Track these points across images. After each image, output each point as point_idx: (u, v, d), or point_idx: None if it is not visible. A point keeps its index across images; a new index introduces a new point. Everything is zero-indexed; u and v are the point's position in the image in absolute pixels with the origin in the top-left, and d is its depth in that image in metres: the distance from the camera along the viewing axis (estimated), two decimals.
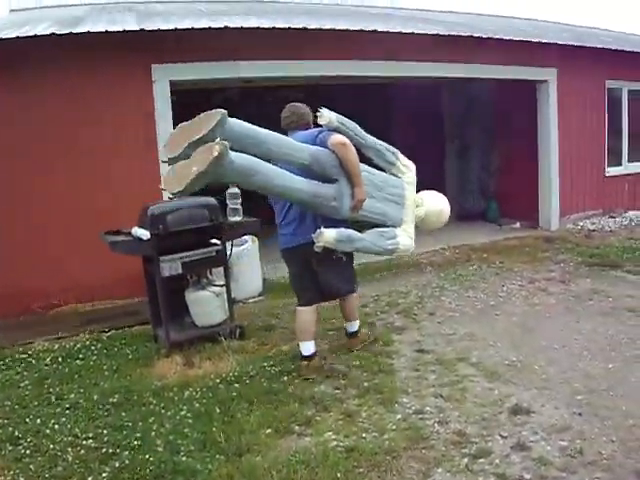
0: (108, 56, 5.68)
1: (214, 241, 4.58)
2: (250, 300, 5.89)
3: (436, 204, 4.28)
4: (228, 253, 4.64)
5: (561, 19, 11.88)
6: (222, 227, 4.53)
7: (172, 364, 4.27)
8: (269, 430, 3.22)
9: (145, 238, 4.19)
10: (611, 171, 9.33)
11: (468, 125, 10.12)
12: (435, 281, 6.18)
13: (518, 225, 9.04)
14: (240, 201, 4.72)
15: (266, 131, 3.42)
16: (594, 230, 8.53)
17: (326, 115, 3.64)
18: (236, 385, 3.79)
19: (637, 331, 4.40)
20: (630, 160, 9.64)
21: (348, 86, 8.80)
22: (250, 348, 4.49)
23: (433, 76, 7.59)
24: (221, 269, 4.67)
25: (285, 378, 3.89)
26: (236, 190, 4.67)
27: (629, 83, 9.35)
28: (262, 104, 11.86)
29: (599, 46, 8.37)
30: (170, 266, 4.33)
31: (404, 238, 3.99)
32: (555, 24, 11.30)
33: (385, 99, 10.40)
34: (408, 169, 4.13)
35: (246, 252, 5.82)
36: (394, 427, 3.19)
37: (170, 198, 3.90)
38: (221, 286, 4.65)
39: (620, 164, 9.53)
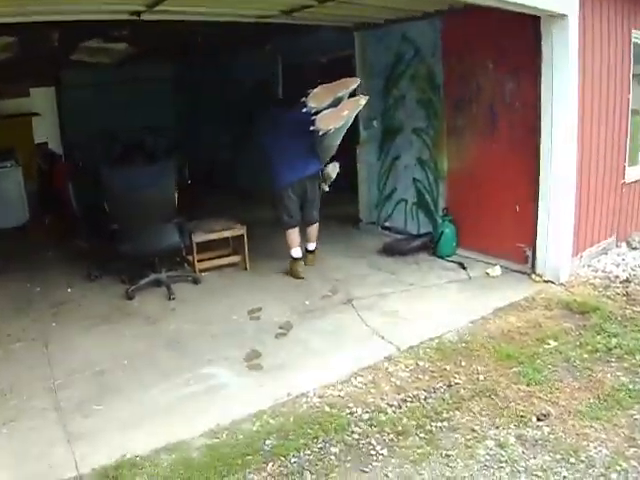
0: None
1: None
2: None
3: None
4: None
5: None
6: None
7: None
8: None
9: None
10: (630, 174, 5.84)
11: (398, 96, 6.24)
12: None
13: (499, 271, 5.26)
14: None
15: None
16: (628, 280, 4.98)
17: None
18: None
19: None
20: None
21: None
22: None
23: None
24: None
25: None
26: None
27: None
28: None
29: None
30: None
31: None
32: None
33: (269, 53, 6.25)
34: None
35: None
36: None
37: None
38: None
39: (637, 162, 6.08)
